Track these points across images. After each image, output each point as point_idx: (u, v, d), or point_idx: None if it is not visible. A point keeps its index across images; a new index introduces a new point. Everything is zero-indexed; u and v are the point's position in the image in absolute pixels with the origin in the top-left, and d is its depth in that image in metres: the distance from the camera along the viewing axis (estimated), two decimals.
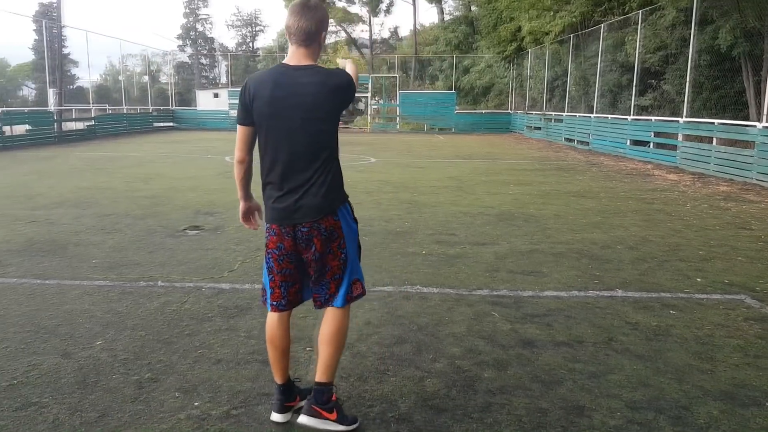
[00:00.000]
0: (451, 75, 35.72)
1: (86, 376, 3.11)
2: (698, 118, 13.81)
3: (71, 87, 41.95)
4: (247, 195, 2.82)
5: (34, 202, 8.31)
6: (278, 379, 2.75)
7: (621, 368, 3.27)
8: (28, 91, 59.13)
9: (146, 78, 35.18)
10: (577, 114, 20.89)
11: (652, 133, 15.21)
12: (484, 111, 32.44)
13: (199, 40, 59.02)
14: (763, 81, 12.68)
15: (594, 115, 19.21)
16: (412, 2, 46.30)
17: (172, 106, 34.01)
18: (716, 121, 12.85)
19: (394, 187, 10.12)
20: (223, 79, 55.41)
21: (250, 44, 64.59)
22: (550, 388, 3.04)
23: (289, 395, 2.75)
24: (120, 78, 33.05)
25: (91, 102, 25.76)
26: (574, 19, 20.72)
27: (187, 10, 58.31)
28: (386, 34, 57.21)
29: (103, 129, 23.80)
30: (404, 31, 57.37)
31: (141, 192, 9.31)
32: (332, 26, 51.51)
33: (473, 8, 38.15)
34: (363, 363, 3.31)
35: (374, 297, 4.40)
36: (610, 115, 18.21)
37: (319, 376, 2.64)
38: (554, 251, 5.80)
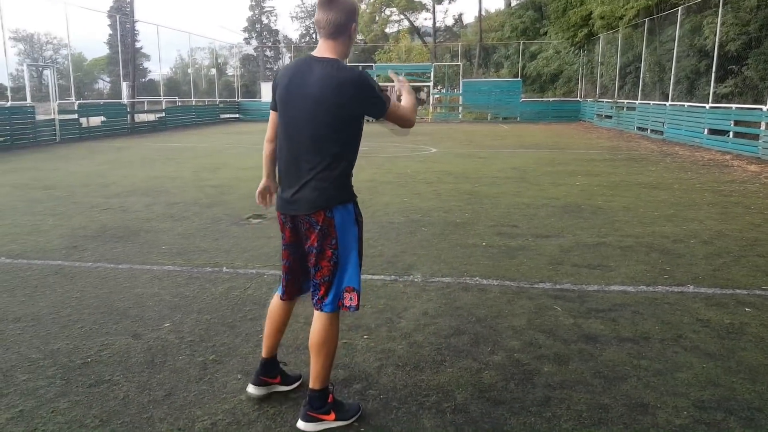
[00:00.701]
0: (517, 62, 35.02)
1: (154, 356, 3.24)
2: None
3: (143, 80, 43.61)
4: (270, 173, 2.83)
5: (108, 191, 8.70)
6: (263, 353, 2.83)
7: (689, 366, 3.14)
8: (103, 84, 61.80)
9: (213, 71, 36.12)
10: (651, 102, 20.09)
11: (732, 122, 14.43)
12: (551, 99, 31.61)
13: (264, 33, 60.11)
14: None
15: (669, 102, 18.43)
16: None
17: (238, 98, 34.82)
18: None
19: (454, 177, 10.03)
20: None
21: (314, 35, 65.37)
22: (613, 384, 2.95)
23: (269, 371, 2.82)
24: (189, 71, 34.04)
25: (161, 94, 26.68)
26: (649, 2, 19.90)
27: (253, 3, 59.42)
28: (450, 22, 56.57)
29: (172, 120, 24.64)
30: (469, 18, 56.67)
31: (208, 181, 9.60)
32: (395, 15, 51.43)
33: None
34: (419, 353, 3.31)
35: (432, 288, 4.39)
36: (686, 103, 17.43)
37: (312, 383, 2.60)
38: (622, 245, 5.61)
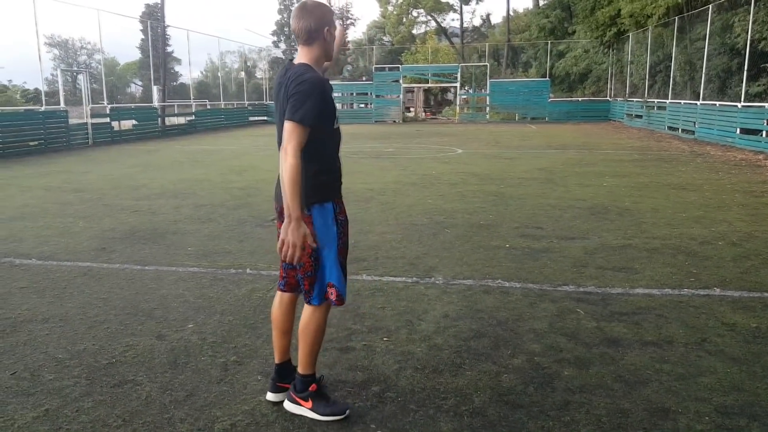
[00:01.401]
0: (545, 62, 34.70)
1: (177, 357, 3.30)
2: None
3: (174, 84, 44.25)
4: None
5: (138, 193, 8.87)
6: (275, 358, 2.89)
7: (713, 371, 3.08)
8: (135, 88, 62.86)
9: (242, 74, 36.52)
10: (682, 101, 19.72)
11: (766, 121, 14.11)
12: (580, 99, 31.24)
13: (292, 36, 60.64)
14: None
15: (700, 102, 18.07)
16: None
17: (266, 100, 35.14)
18: None
19: (479, 178, 9.99)
20: None
21: None
22: (634, 388, 2.91)
23: (284, 376, 2.86)
24: (219, 74, 34.47)
25: (191, 98, 27.07)
26: (678, 0, 19.56)
27: (282, 6, 59.94)
28: (477, 22, 56.29)
29: (202, 123, 24.98)
30: (496, 18, 56.28)
31: (235, 183, 9.71)
32: (422, 16, 51.36)
33: None
34: (439, 355, 3.31)
35: (453, 290, 4.38)
36: (718, 102, 17.07)
37: (298, 367, 2.75)
38: (649, 247, 5.53)
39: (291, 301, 2.87)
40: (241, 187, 9.34)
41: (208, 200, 8.17)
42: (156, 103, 23.42)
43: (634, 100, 24.81)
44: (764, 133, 14.14)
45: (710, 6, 17.67)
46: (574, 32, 34.22)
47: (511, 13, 46.62)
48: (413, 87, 35.35)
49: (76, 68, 53.66)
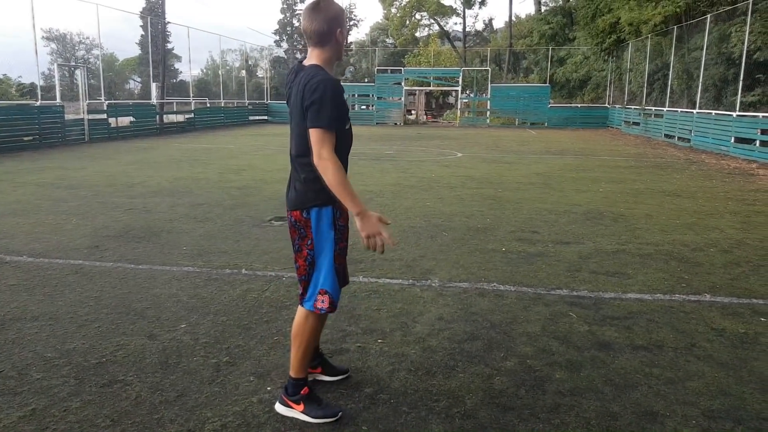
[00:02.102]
0: (546, 67, 34.78)
1: (168, 357, 3.29)
2: None
3: (174, 81, 44.26)
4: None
5: (133, 191, 8.86)
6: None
7: (701, 375, 3.11)
8: (134, 84, 62.79)
9: (244, 73, 36.53)
10: (679, 109, 19.80)
11: (759, 131, 14.19)
12: (579, 105, 31.34)
13: (295, 35, 60.59)
14: None
15: (696, 110, 18.15)
16: None
17: (267, 99, 35.15)
18: None
19: (478, 182, 10.01)
20: None
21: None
22: (623, 392, 2.93)
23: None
24: (219, 72, 34.47)
25: (191, 95, 27.06)
26: (678, 9, 19.65)
27: (284, 6, 59.96)
28: (480, 27, 56.46)
29: (201, 121, 24.98)
30: (499, 23, 56.44)
31: (233, 183, 9.71)
32: (425, 19, 51.45)
33: None
34: (432, 357, 3.32)
35: (449, 293, 4.40)
36: (713, 111, 17.14)
37: (290, 370, 2.77)
38: (642, 252, 5.55)
39: None
40: (239, 186, 9.34)
41: (205, 199, 8.16)
42: (154, 100, 23.41)
43: (632, 107, 24.89)
44: (758, 142, 14.23)
45: (708, 16, 17.75)
46: (574, 38, 34.33)
47: (513, 18, 46.76)
48: (415, 90, 35.38)
49: (73, 63, 53.57)
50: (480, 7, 52.51)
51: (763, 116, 14.38)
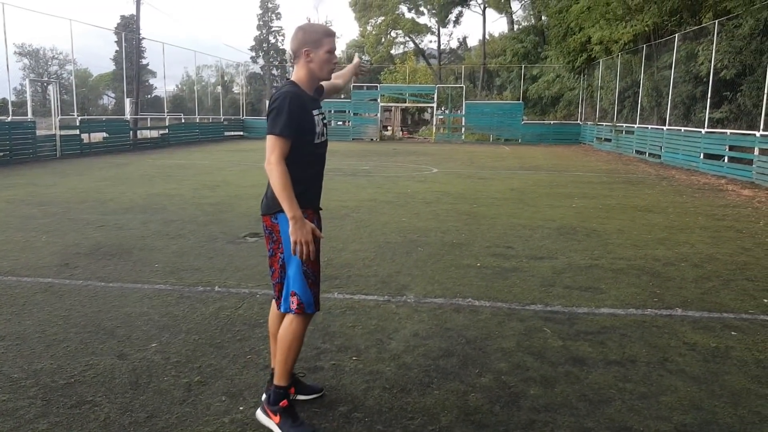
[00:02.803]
0: (519, 85, 35.26)
1: (139, 377, 3.22)
2: None
3: (149, 96, 43.87)
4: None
5: (105, 207, 8.72)
6: (272, 362, 2.93)
7: (674, 390, 3.14)
8: (108, 100, 62.11)
9: (219, 88, 36.40)
10: (649, 126, 20.19)
11: (727, 147, 14.54)
12: (552, 122, 31.80)
13: (271, 52, 60.60)
14: None
15: (666, 127, 18.52)
16: (481, 12, 46.06)
17: (243, 115, 35.03)
18: None
19: (453, 198, 10.06)
20: None
21: None
22: (597, 407, 2.94)
23: None
24: (195, 88, 34.29)
25: (165, 111, 26.83)
26: (646, 28, 20.11)
27: (261, 23, 60.02)
28: (455, 45, 57.10)
29: (176, 137, 24.76)
30: (473, 41, 57.10)
31: (207, 199, 9.62)
32: (400, 37, 51.90)
33: (544, 17, 37.55)
34: (407, 374, 3.30)
35: (424, 309, 4.39)
36: (683, 128, 17.51)
37: (274, 377, 2.79)
38: (614, 267, 5.61)
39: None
40: (213, 202, 9.25)
41: (178, 216, 8.07)
42: (128, 116, 23.17)
43: (604, 124, 25.31)
44: (726, 158, 14.55)
45: (676, 35, 18.19)
46: (546, 57, 34.89)
47: (487, 37, 47.45)
48: (391, 106, 35.56)
49: (46, 78, 52.89)
50: (454, 26, 53.33)
51: (731, 133, 14.73)
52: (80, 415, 2.82)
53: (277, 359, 2.76)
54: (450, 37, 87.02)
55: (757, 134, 13.21)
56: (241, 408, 2.91)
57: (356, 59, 3.53)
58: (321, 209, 2.88)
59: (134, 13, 23.48)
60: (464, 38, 59.69)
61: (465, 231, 7.22)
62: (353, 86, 33.68)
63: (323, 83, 3.02)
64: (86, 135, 19.36)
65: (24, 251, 6.01)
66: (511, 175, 14.29)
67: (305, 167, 2.70)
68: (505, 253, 6.11)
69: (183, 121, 28.45)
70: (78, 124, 19.28)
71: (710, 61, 15.85)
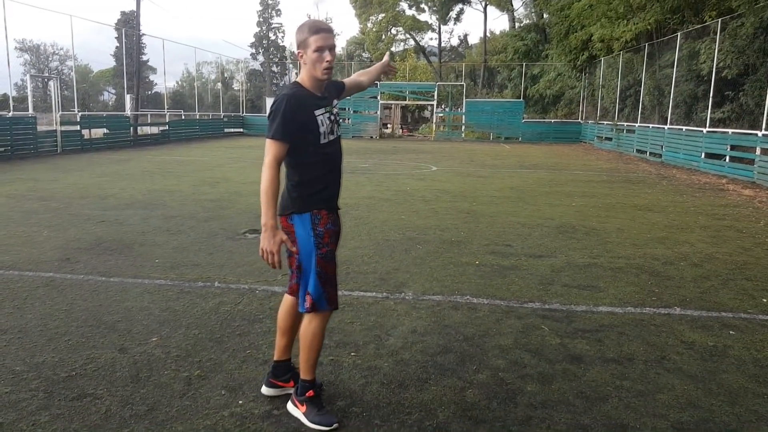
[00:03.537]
0: (520, 83, 35.25)
1: (139, 371, 3.25)
2: None
3: (149, 93, 43.90)
4: None
5: (105, 203, 8.74)
6: (274, 355, 3.05)
7: (671, 388, 3.16)
8: (108, 96, 62.10)
9: (219, 85, 36.40)
10: (650, 125, 20.20)
11: (728, 146, 14.54)
12: (553, 120, 31.82)
13: (271, 48, 60.58)
14: None
15: (667, 126, 18.53)
16: (482, 10, 46.04)
17: (243, 112, 35.03)
18: None
19: (452, 196, 10.08)
20: None
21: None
22: (594, 404, 2.96)
23: (278, 374, 3.00)
24: (195, 84, 34.29)
25: (165, 107, 26.84)
26: (648, 27, 20.10)
27: (261, 19, 59.97)
28: (455, 42, 57.07)
29: (176, 134, 24.78)
30: (474, 39, 57.10)
31: (207, 195, 9.64)
32: (401, 34, 51.86)
33: (545, 15, 37.50)
34: (405, 370, 3.32)
35: (422, 306, 4.41)
36: (684, 127, 17.52)
37: (300, 372, 2.87)
38: (613, 266, 5.63)
39: (292, 304, 2.95)
40: (213, 198, 9.27)
41: (179, 212, 8.09)
42: (129, 112, 23.17)
43: (605, 123, 25.32)
44: (727, 158, 14.56)
45: (678, 34, 18.18)
46: (548, 55, 34.87)
47: (488, 34, 47.42)
48: (391, 104, 35.57)
49: (47, 74, 52.87)
50: (455, 23, 53.26)
51: (732, 132, 14.73)
52: (81, 408, 2.85)
53: (301, 356, 2.82)
54: (451, 34, 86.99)
55: (759, 134, 13.21)
56: (240, 402, 2.93)
57: (386, 57, 3.52)
58: (339, 209, 2.90)
59: (134, 9, 23.47)
60: (465, 36, 59.80)
61: (464, 229, 7.24)
62: None
63: (345, 81, 3.06)
64: (87, 131, 19.40)
65: (26, 246, 6.04)
66: (510, 173, 14.30)
67: (313, 168, 2.73)
68: (504, 251, 6.13)
69: (183, 117, 28.47)
70: (78, 120, 19.30)
71: (712, 60, 15.85)
